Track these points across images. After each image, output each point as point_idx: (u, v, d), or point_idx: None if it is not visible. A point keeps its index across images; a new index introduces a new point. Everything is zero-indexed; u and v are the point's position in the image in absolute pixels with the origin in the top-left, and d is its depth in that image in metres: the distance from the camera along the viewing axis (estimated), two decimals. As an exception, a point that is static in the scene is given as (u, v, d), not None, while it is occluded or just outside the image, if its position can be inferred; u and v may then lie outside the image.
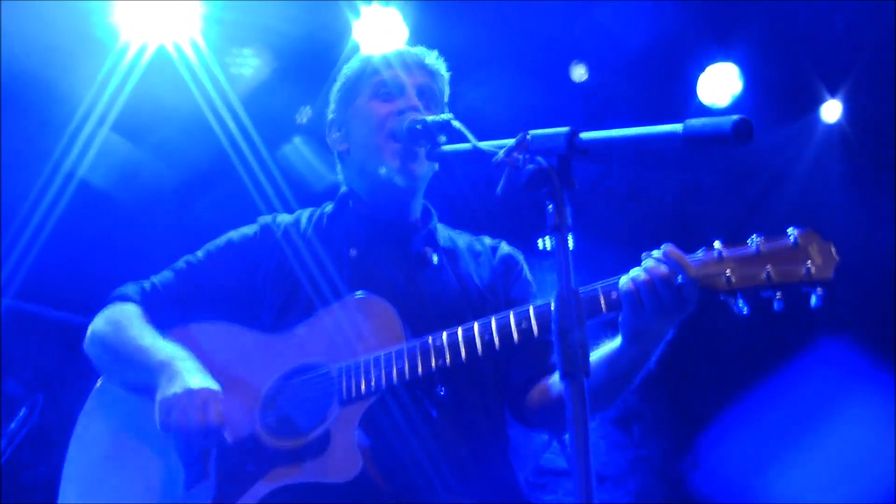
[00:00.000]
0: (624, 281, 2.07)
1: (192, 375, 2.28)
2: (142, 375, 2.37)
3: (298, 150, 6.33)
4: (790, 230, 2.03)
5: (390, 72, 2.58)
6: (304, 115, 6.07)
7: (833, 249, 1.99)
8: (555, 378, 2.38)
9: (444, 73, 2.65)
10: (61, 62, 5.64)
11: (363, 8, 5.40)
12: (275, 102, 6.11)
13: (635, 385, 2.28)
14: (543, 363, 2.44)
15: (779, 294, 1.98)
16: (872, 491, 6.62)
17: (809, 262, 1.97)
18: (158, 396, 2.27)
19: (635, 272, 2.06)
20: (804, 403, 6.92)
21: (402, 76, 2.57)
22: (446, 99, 2.66)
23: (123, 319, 2.47)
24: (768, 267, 1.99)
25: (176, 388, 2.24)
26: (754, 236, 2.04)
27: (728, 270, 2.01)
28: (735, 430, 6.89)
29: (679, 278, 2.01)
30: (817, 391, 6.87)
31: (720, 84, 5.97)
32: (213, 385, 2.27)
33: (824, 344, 6.86)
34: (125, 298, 2.55)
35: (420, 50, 2.65)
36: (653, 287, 2.02)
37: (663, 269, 2.03)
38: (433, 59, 2.63)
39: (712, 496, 6.68)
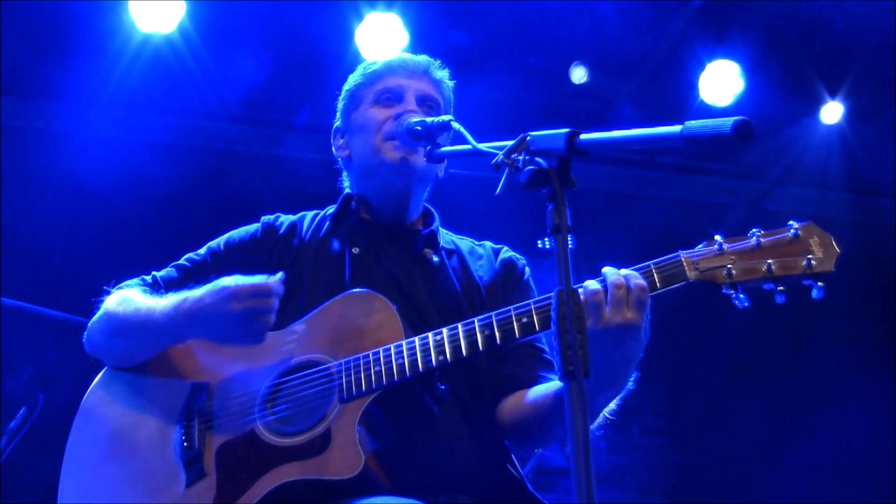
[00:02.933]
0: (590, 282, 2.07)
1: (212, 291, 2.25)
2: (164, 329, 2.33)
3: (298, 151, 6.34)
4: (791, 222, 2.05)
5: (392, 78, 2.60)
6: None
7: (834, 242, 2.01)
8: (535, 389, 2.37)
9: (448, 81, 2.66)
10: (60, 60, 5.66)
11: (365, 13, 5.43)
12: (275, 103, 6.13)
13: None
14: (522, 375, 2.43)
15: (780, 287, 2.00)
16: (872, 491, 6.62)
17: (810, 254, 1.98)
18: (226, 329, 2.24)
19: (604, 275, 2.07)
20: (804, 403, 6.92)
21: (402, 82, 2.59)
22: (451, 107, 2.67)
23: (130, 296, 2.45)
24: (769, 260, 2.01)
25: (226, 308, 2.20)
26: (755, 229, 2.06)
27: (729, 264, 2.03)
28: (735, 429, 6.89)
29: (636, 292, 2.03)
30: (817, 391, 6.87)
31: (721, 84, 5.98)
32: (227, 281, 2.24)
33: (824, 344, 6.87)
34: (128, 288, 2.54)
35: (423, 58, 2.66)
36: (618, 286, 2.02)
37: (634, 278, 2.05)
38: (436, 67, 2.65)
39: (712, 496, 6.67)
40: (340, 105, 2.71)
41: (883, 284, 7.13)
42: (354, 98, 2.65)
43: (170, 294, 2.38)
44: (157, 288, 2.53)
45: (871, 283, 6.98)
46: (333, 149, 2.72)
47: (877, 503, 6.54)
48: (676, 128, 1.73)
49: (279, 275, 2.24)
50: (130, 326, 2.39)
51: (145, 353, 2.44)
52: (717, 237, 2.07)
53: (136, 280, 2.57)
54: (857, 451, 6.81)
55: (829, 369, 6.87)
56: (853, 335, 6.87)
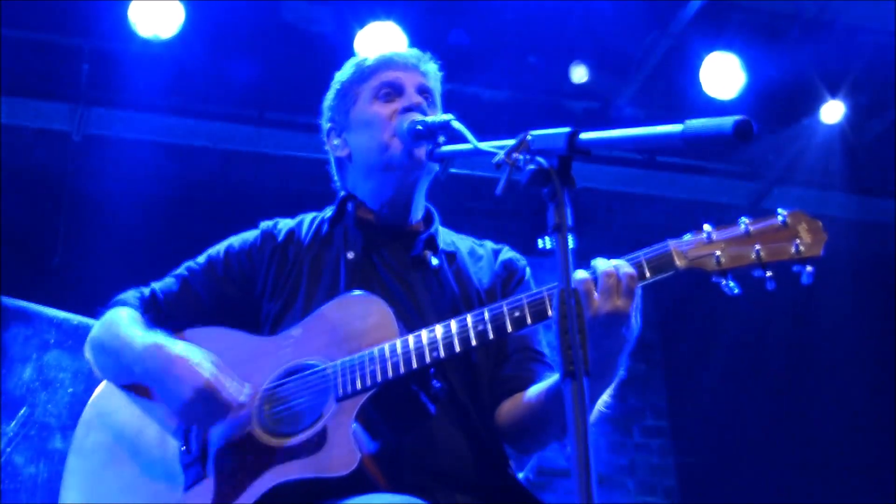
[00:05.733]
0: (579, 271, 2.08)
1: (185, 368, 2.28)
2: (132, 368, 2.39)
3: (299, 151, 6.33)
4: (779, 210, 2.06)
5: (388, 72, 2.58)
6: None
7: (822, 227, 2.01)
8: (531, 389, 2.37)
9: (438, 72, 2.66)
10: (61, 61, 5.66)
11: (366, 18, 5.44)
12: (278, 106, 6.13)
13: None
14: (520, 378, 2.43)
15: (769, 273, 2.00)
16: (872, 491, 6.62)
17: (798, 240, 1.99)
18: (175, 406, 2.30)
19: (595, 267, 2.09)
20: (804, 403, 6.92)
21: (399, 75, 2.57)
22: (441, 99, 2.66)
23: (117, 321, 2.48)
24: (758, 246, 2.01)
25: (185, 393, 2.26)
26: (743, 218, 2.06)
27: (718, 251, 2.03)
28: (736, 429, 6.89)
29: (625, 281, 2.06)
30: (818, 391, 6.87)
31: (721, 81, 5.99)
32: (206, 368, 2.27)
33: (825, 344, 6.87)
34: (124, 304, 2.55)
35: (414, 50, 2.67)
36: (609, 275, 2.05)
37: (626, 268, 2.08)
38: (426, 59, 2.65)
39: (713, 497, 6.68)
40: (331, 104, 2.67)
41: (883, 284, 7.13)
42: (349, 95, 2.62)
43: (158, 332, 2.42)
44: (155, 308, 2.55)
45: (872, 283, 6.98)
46: (328, 149, 2.69)
47: (876, 502, 6.54)
48: (677, 127, 1.73)
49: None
50: (119, 362, 2.44)
51: (120, 377, 2.49)
52: (706, 226, 2.08)
53: (133, 294, 2.58)
54: (857, 450, 6.81)
55: (829, 369, 6.88)
56: (854, 335, 6.87)
